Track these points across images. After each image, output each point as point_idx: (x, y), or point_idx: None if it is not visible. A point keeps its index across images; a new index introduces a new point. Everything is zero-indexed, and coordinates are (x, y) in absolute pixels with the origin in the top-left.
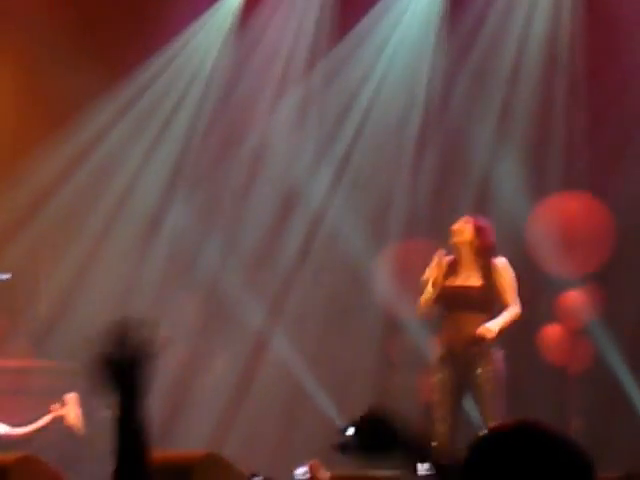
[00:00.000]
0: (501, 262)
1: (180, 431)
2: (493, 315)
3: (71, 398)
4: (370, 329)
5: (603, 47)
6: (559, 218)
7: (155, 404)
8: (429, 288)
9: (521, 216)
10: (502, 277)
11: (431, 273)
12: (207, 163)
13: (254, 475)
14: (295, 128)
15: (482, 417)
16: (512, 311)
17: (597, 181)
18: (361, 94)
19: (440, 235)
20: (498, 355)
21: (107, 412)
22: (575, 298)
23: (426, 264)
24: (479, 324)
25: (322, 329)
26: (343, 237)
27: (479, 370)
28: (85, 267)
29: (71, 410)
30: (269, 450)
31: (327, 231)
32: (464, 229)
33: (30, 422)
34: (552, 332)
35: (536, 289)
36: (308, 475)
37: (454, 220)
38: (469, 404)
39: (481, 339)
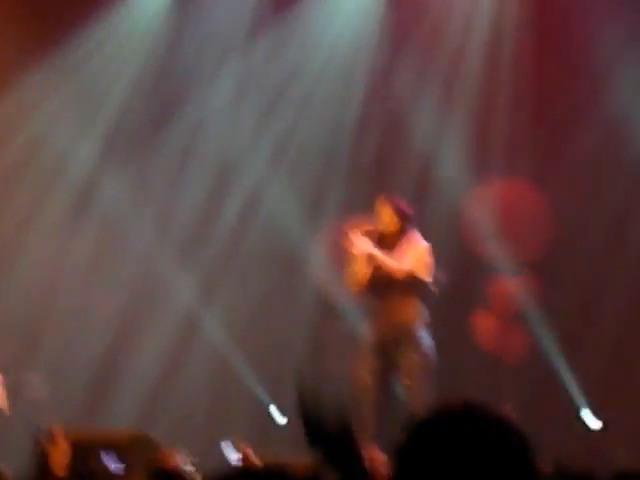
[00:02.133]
0: (415, 235)
1: (109, 410)
2: (420, 297)
3: None
4: (305, 311)
5: (549, 29)
6: (498, 204)
7: (85, 383)
8: (363, 263)
9: (460, 201)
10: (413, 247)
11: (362, 246)
12: (143, 137)
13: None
14: (233, 105)
15: (409, 402)
16: (396, 263)
17: (537, 168)
18: (302, 72)
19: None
20: (427, 340)
21: (32, 394)
22: (510, 285)
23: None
24: (406, 307)
25: (255, 310)
26: (280, 215)
27: (407, 354)
28: (13, 242)
29: None
30: (198, 429)
31: (263, 209)
32: (384, 214)
33: None
34: (486, 319)
35: (471, 274)
36: (241, 461)
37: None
38: (398, 389)
39: (409, 324)
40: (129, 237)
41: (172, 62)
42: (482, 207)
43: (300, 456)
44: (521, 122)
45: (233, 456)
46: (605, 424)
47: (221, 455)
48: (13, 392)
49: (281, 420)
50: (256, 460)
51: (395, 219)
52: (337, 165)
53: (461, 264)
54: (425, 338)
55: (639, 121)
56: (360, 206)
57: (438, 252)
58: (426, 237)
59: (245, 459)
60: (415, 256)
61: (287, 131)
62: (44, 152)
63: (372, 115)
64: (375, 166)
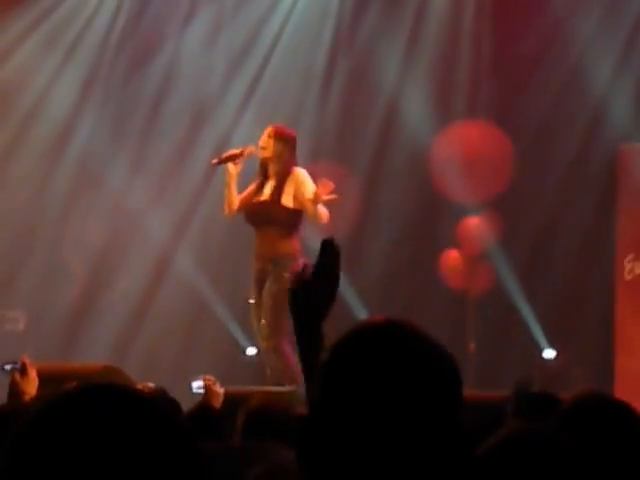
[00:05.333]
0: (301, 172)
1: (84, 346)
2: (296, 229)
3: None
4: None
5: None
6: (461, 145)
7: (61, 319)
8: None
9: (425, 142)
10: (298, 183)
11: (230, 171)
12: (118, 79)
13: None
14: (206, 47)
15: (261, 332)
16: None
17: (500, 109)
18: (272, 15)
19: (346, 159)
20: (293, 269)
21: (9, 328)
22: (475, 224)
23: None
24: (280, 239)
25: (226, 247)
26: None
27: (267, 284)
28: None
29: None
30: (169, 365)
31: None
32: (267, 144)
33: None
34: (451, 257)
35: (437, 215)
36: (203, 390)
37: (360, 145)
38: None
39: (280, 255)
40: (106, 176)
41: (146, 3)
42: (447, 150)
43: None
44: (483, 65)
45: (195, 384)
46: (560, 353)
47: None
48: None
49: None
50: (219, 390)
51: (271, 143)
52: (305, 112)
53: (427, 206)
54: (295, 267)
55: (597, 60)
56: (328, 153)
57: (404, 195)
58: (393, 181)
59: (208, 389)
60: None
61: (256, 77)
62: (22, 94)
63: (338, 62)
64: (342, 113)
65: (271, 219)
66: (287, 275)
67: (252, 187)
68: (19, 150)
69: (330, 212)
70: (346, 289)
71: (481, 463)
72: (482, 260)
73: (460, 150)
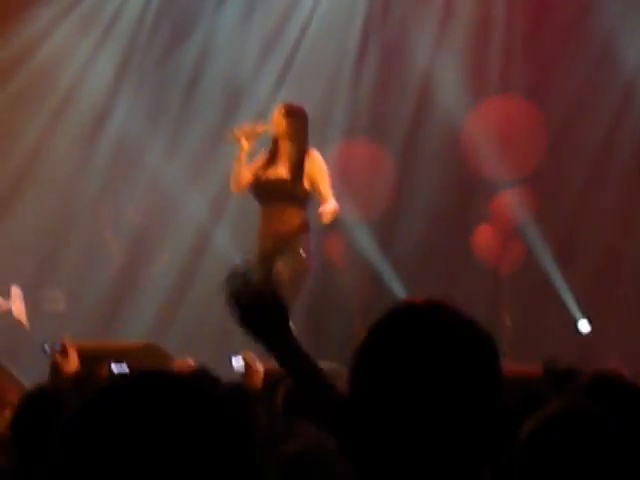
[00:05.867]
0: (314, 153)
1: (123, 322)
2: (304, 207)
3: (15, 291)
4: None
5: None
6: (495, 121)
7: (101, 298)
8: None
9: (459, 118)
10: (315, 168)
11: (241, 147)
12: (153, 60)
13: None
14: (240, 27)
15: None
16: (332, 204)
17: (533, 84)
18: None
19: (380, 137)
20: (306, 246)
21: (50, 308)
22: (508, 200)
23: (367, 166)
24: (295, 218)
25: None
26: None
27: (279, 262)
28: (29, 166)
29: (15, 303)
30: (209, 341)
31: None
32: (279, 120)
33: None
34: (485, 233)
35: (470, 190)
36: (243, 366)
37: (394, 122)
38: None
39: (291, 233)
40: (143, 155)
41: None
42: (480, 126)
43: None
44: (515, 41)
45: (236, 361)
46: (595, 329)
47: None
48: (32, 307)
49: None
50: (259, 367)
51: (285, 121)
52: (339, 90)
53: (461, 182)
54: (305, 244)
55: (630, 36)
56: (362, 131)
57: (439, 172)
58: (427, 157)
59: (247, 365)
60: (325, 179)
61: (290, 56)
62: (59, 76)
63: (371, 40)
64: (375, 91)
65: (289, 197)
66: (302, 253)
67: (259, 163)
68: (58, 131)
69: (365, 189)
70: (382, 267)
71: (527, 442)
72: (515, 236)
73: (494, 126)
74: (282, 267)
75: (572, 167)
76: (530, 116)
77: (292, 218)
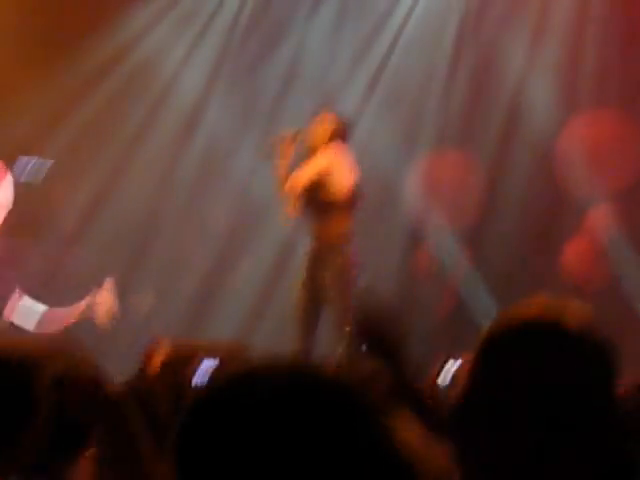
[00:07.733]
0: (333, 150)
1: (208, 327)
2: (350, 213)
3: (108, 283)
4: (396, 239)
5: None
6: (589, 136)
7: (185, 301)
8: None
9: (551, 132)
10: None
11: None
12: (245, 65)
13: None
14: (332, 34)
15: (334, 321)
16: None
17: (628, 99)
18: (398, 3)
19: (470, 148)
20: (349, 250)
21: (139, 307)
22: (600, 215)
23: (457, 177)
24: (336, 223)
25: None
26: (375, 146)
27: (326, 271)
28: (119, 170)
29: (106, 294)
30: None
31: (359, 139)
32: (322, 132)
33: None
34: (575, 248)
35: (561, 205)
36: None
37: (485, 135)
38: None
39: (335, 238)
40: (232, 161)
41: None
42: (573, 140)
43: None
44: (610, 54)
45: None
46: None
47: None
48: (122, 306)
49: None
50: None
51: (325, 132)
52: (429, 100)
53: (551, 197)
54: (348, 249)
55: None
56: (453, 142)
57: (529, 184)
58: (518, 169)
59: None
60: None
61: (381, 65)
62: (153, 77)
63: (464, 51)
64: (467, 101)
65: (329, 202)
66: (341, 260)
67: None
68: (149, 133)
69: (455, 200)
70: (471, 276)
71: None
72: (605, 253)
73: (586, 141)
74: (327, 281)
75: None
76: (624, 131)
77: (336, 225)
